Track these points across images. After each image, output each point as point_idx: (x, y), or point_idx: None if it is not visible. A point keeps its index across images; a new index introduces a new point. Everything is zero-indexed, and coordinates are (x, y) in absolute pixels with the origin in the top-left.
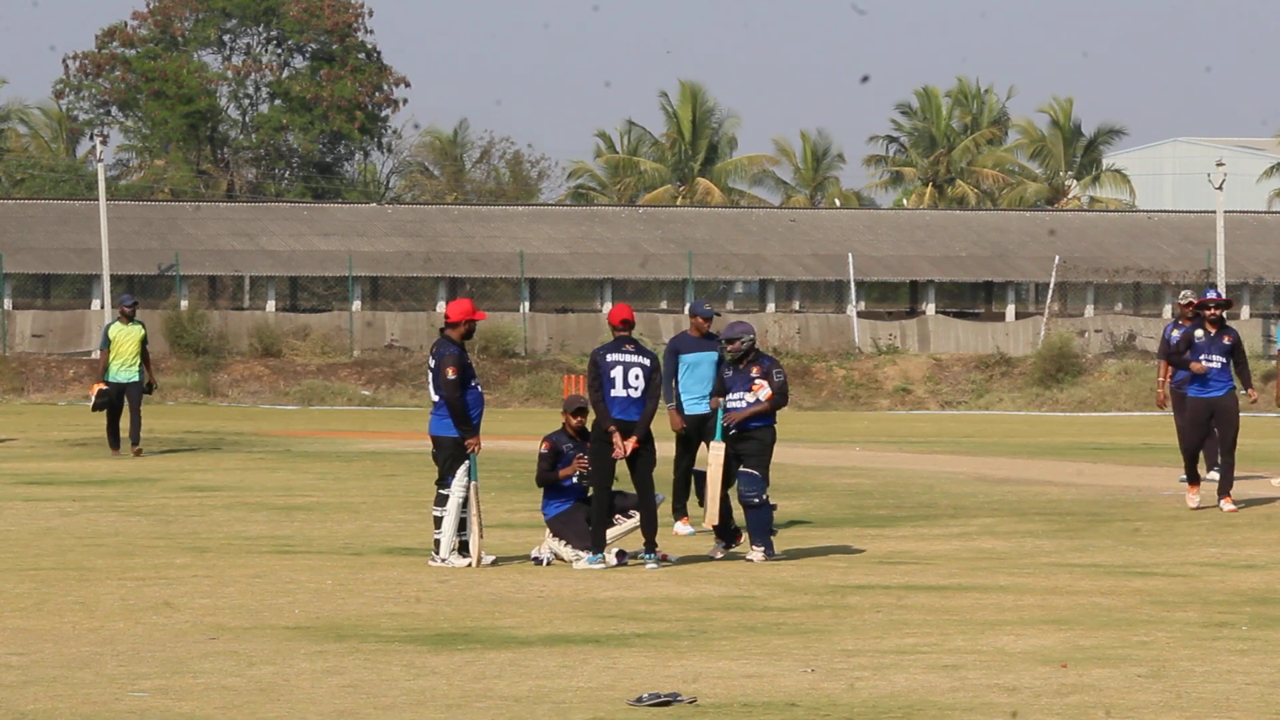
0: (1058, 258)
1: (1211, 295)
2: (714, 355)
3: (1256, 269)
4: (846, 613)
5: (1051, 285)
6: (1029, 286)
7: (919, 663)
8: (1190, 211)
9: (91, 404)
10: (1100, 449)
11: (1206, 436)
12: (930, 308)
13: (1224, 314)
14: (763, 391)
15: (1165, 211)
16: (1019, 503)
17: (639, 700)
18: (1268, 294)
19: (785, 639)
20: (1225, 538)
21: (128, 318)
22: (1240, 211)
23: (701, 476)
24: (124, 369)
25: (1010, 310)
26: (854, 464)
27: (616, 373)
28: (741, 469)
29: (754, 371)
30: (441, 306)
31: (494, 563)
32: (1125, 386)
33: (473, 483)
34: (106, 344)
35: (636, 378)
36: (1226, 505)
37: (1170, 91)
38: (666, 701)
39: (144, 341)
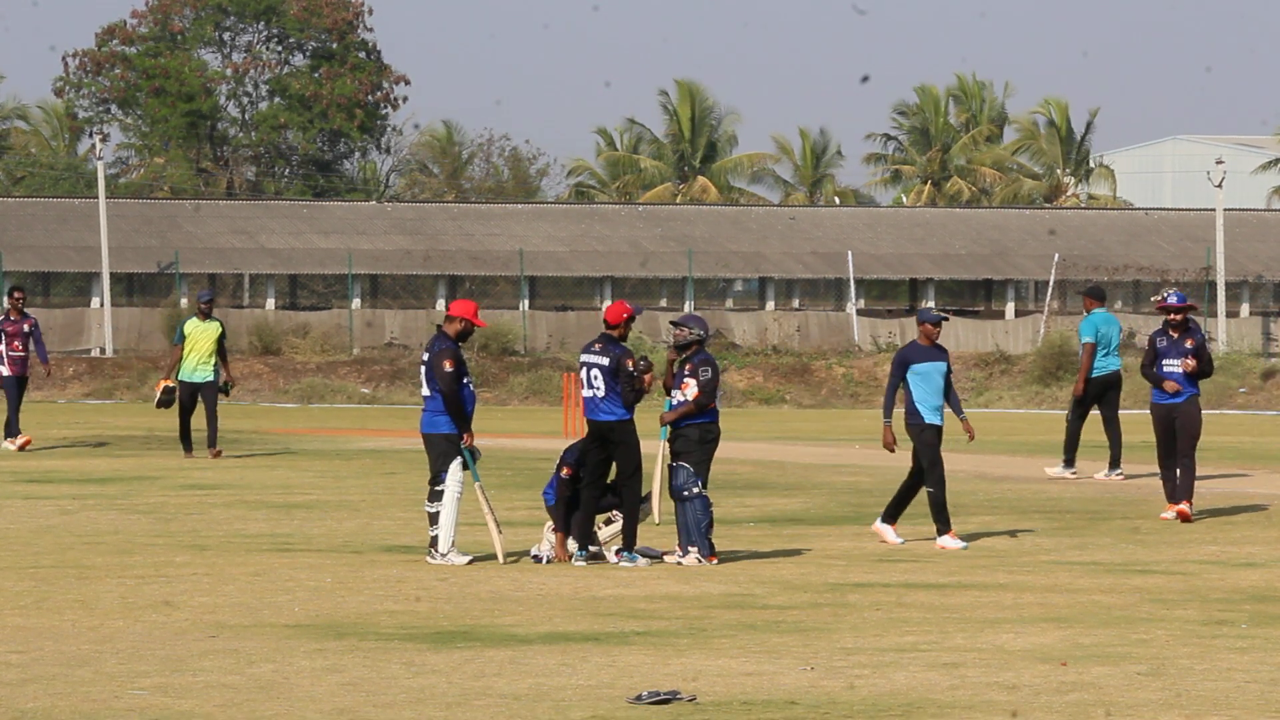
0: (1057, 256)
1: (1173, 299)
2: (944, 365)
3: (1256, 267)
4: (846, 611)
5: (1051, 283)
6: (1029, 284)
7: (919, 661)
8: (1190, 209)
9: (156, 401)
10: (1100, 447)
11: (1175, 444)
12: (930, 306)
13: (1188, 317)
14: (690, 390)
15: (1165, 209)
16: (1018, 501)
17: (638, 698)
18: (1267, 292)
19: (785, 637)
20: (1224, 536)
21: (205, 314)
22: (1240, 209)
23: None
24: (199, 367)
25: (1010, 308)
26: (854, 462)
27: (583, 373)
28: (672, 463)
29: (686, 369)
30: (441, 305)
31: (470, 562)
32: (1125, 385)
33: (476, 483)
34: (181, 340)
35: (596, 378)
36: (1183, 507)
37: (1170, 90)
38: (666, 699)
39: (221, 339)
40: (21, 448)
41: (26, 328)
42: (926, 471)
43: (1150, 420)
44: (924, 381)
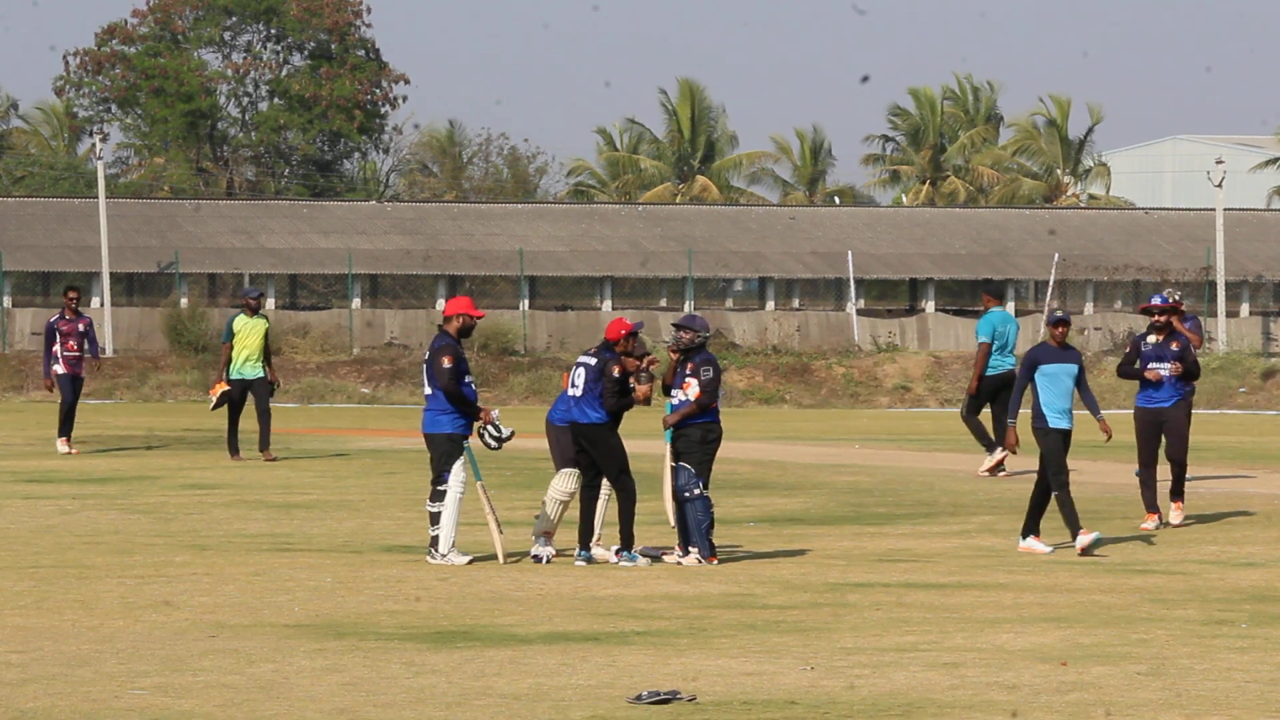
0: (1057, 255)
1: (1156, 301)
2: (1074, 367)
3: (1256, 267)
4: (846, 610)
5: (1051, 283)
6: (1028, 284)
7: (918, 660)
8: (1190, 209)
9: (212, 405)
10: (1100, 446)
11: (1159, 446)
12: (930, 305)
13: (1172, 319)
14: (691, 390)
15: (1165, 209)
16: (1019, 500)
17: (638, 698)
18: (1267, 292)
19: (785, 637)
20: (1225, 535)
21: (253, 310)
22: (1240, 209)
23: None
24: (249, 364)
25: (1010, 308)
26: (854, 462)
27: (572, 373)
28: (674, 464)
29: (688, 369)
30: (441, 304)
31: (470, 562)
32: (1125, 384)
33: (479, 482)
34: (229, 337)
35: (579, 378)
36: (1175, 516)
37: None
38: (666, 699)
39: (268, 336)
40: (70, 450)
41: (81, 327)
42: (1051, 477)
43: (1133, 422)
44: (1052, 384)
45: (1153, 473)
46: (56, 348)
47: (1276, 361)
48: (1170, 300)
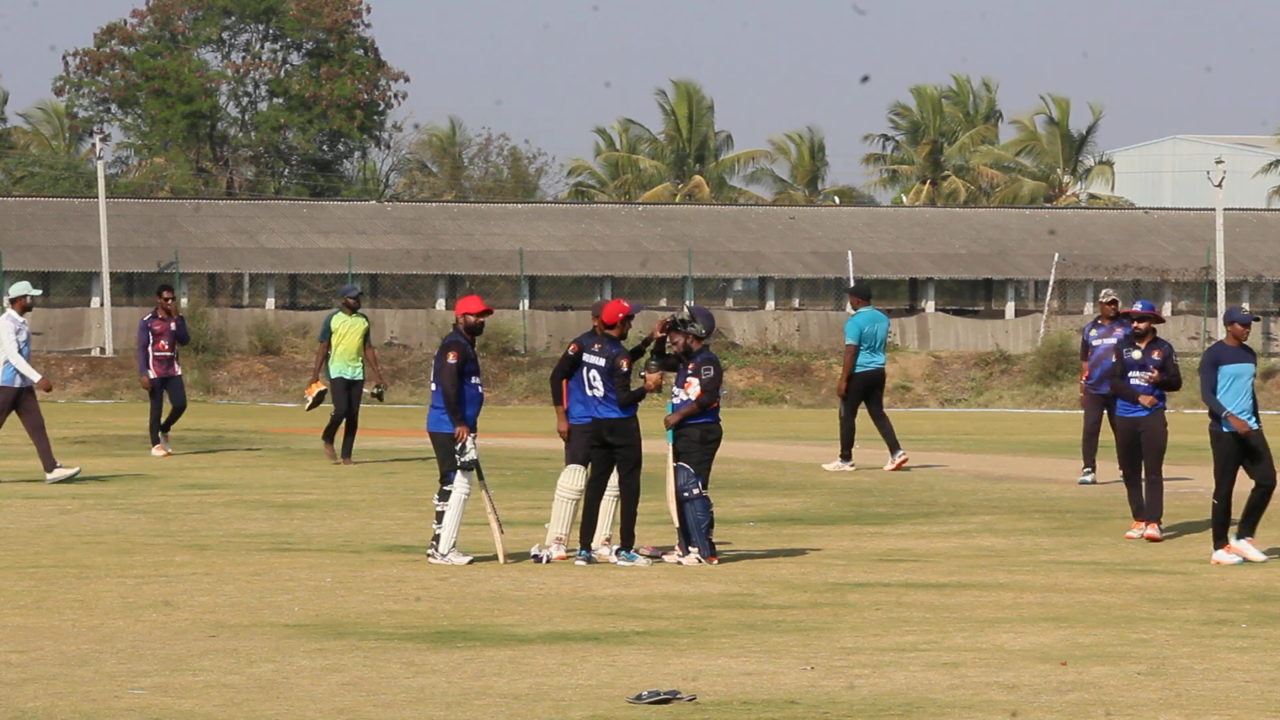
0: (1057, 255)
1: (1137, 307)
2: (1252, 367)
3: (1256, 267)
4: (846, 610)
5: (1051, 283)
6: (1028, 284)
7: (918, 660)
8: (1190, 209)
9: (307, 405)
10: (1099, 446)
11: (1139, 456)
12: (930, 305)
13: (1154, 327)
14: (692, 389)
15: (1165, 209)
16: (1018, 500)
17: (638, 698)
18: (1267, 292)
19: (785, 637)
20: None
21: (351, 309)
22: (1240, 209)
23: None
24: (348, 365)
25: (1010, 308)
26: (853, 461)
27: (584, 373)
28: (675, 464)
29: (689, 368)
30: (441, 304)
31: (470, 562)
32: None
33: (481, 482)
34: (326, 336)
35: (595, 379)
36: (1150, 530)
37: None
38: (666, 699)
39: (367, 336)
40: (167, 453)
41: (173, 326)
42: (1218, 480)
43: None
44: (1232, 383)
45: (1137, 476)
46: (149, 347)
47: (1276, 362)
48: (1155, 308)
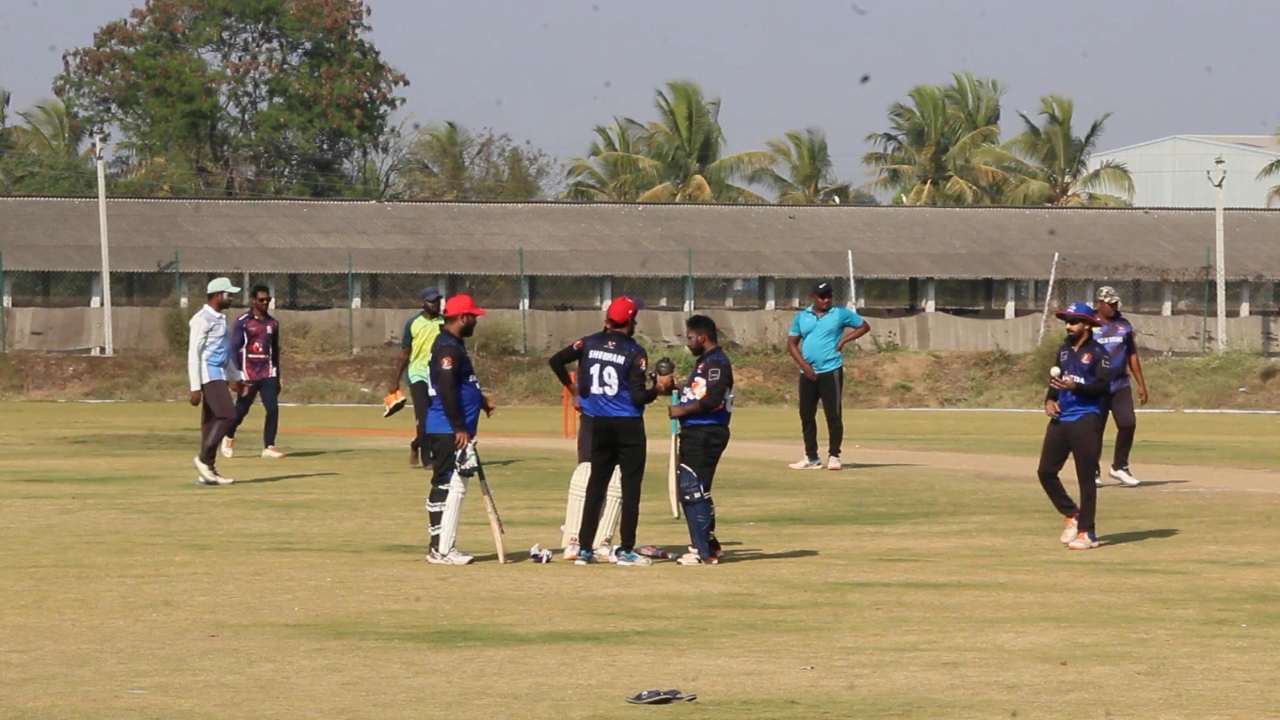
0: (1057, 255)
1: (1071, 309)
2: None
3: (1257, 266)
4: (846, 610)
5: (1051, 282)
6: (1029, 284)
7: (918, 660)
8: (1190, 209)
9: (386, 412)
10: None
11: (1063, 460)
12: (930, 305)
13: (1089, 328)
14: (699, 390)
15: (1165, 209)
16: (1018, 500)
17: (638, 698)
18: (1267, 291)
19: (785, 636)
20: (1225, 535)
21: (431, 313)
22: (1240, 209)
23: None
24: (428, 369)
25: (1010, 308)
26: (853, 461)
27: (594, 369)
28: (678, 464)
29: (699, 369)
30: (442, 305)
31: (470, 562)
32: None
33: (482, 481)
34: (408, 341)
35: (609, 376)
36: (1079, 542)
37: (1170, 90)
38: (666, 699)
39: None
40: (283, 456)
41: (269, 329)
42: None
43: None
44: None
45: (1053, 483)
46: (241, 350)
47: (1276, 361)
48: (1094, 308)
